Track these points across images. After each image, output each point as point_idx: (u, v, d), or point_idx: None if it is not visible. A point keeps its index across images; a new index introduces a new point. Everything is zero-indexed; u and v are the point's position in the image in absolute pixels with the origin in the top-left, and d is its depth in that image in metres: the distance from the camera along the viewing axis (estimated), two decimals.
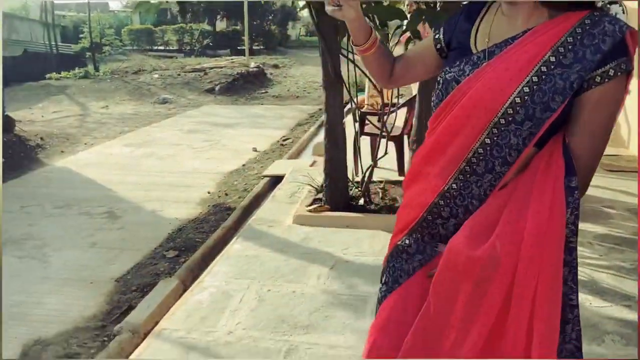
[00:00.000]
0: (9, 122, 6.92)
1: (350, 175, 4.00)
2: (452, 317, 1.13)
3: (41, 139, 7.14)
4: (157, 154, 6.43)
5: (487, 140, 1.10)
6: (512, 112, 1.06)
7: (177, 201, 4.61)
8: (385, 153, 3.97)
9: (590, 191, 4.08)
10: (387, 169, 4.62)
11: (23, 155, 6.26)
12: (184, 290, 2.92)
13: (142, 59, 18.01)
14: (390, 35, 3.57)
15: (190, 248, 3.63)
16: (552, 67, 1.04)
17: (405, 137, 4.61)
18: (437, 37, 1.28)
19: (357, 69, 3.80)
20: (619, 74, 1.02)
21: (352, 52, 3.71)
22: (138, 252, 3.56)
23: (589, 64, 1.02)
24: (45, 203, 4.54)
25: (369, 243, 3.34)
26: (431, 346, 1.16)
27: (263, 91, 12.55)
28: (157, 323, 2.56)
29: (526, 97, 1.05)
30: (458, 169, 1.15)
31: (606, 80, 1.03)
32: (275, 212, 3.95)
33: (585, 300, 2.58)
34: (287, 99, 11.43)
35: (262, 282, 2.84)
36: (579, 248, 3.48)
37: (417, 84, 4.03)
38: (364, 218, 3.63)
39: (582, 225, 3.50)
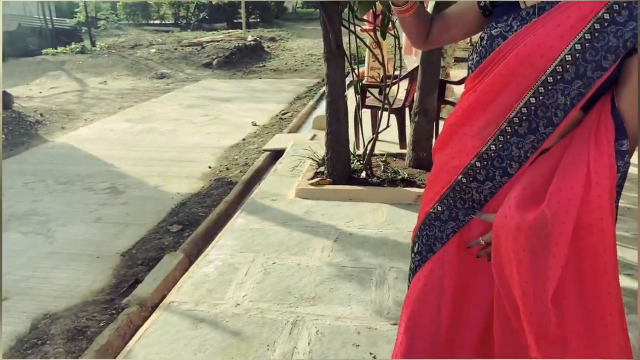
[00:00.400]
0: (7, 99, 6.87)
1: (351, 149, 3.99)
2: (517, 299, 1.11)
3: (40, 115, 7.10)
4: (157, 129, 6.40)
5: (533, 100, 1.07)
6: (561, 70, 1.03)
7: (178, 176, 4.61)
8: (387, 126, 3.96)
9: None
10: (388, 141, 4.61)
11: (23, 132, 6.24)
12: (190, 264, 2.95)
13: (139, 33, 17.77)
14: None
15: (193, 222, 3.65)
16: (606, 24, 1.00)
17: (407, 109, 4.59)
18: None
19: (357, 40, 3.76)
20: None
21: (353, 23, 3.66)
22: (142, 226, 3.58)
23: None
24: (48, 179, 4.55)
25: (372, 216, 3.35)
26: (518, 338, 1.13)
27: (261, 65, 12.42)
28: (164, 296, 2.59)
29: (578, 55, 1.02)
30: (498, 129, 1.12)
31: None
32: (277, 185, 3.96)
33: None
34: (285, 73, 11.33)
35: (267, 255, 2.87)
36: None
37: (420, 56, 3.98)
38: (366, 191, 3.64)
39: None
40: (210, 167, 4.91)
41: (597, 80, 1.02)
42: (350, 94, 4.08)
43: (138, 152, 5.39)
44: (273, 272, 2.68)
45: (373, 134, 3.90)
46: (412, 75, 4.51)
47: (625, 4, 1.00)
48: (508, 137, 1.11)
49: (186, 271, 2.82)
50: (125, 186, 4.36)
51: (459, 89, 5.44)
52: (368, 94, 4.58)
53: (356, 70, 3.96)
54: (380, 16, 3.65)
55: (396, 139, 4.64)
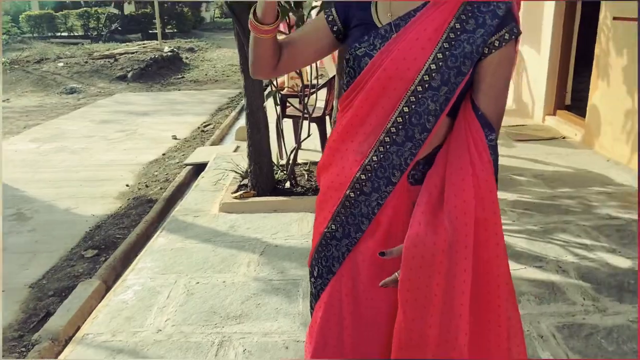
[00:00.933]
0: None
1: (274, 159, 3.96)
2: (430, 319, 1.12)
3: None
4: (68, 148, 6.04)
5: (406, 109, 1.12)
6: (428, 78, 1.10)
7: (93, 197, 4.36)
8: (308, 135, 3.97)
9: (501, 160, 4.28)
10: (311, 150, 4.63)
11: None
12: (107, 291, 2.78)
13: (45, 46, 16.72)
14: (305, 17, 3.53)
15: (110, 246, 3.46)
16: (459, 33, 1.09)
17: (327, 117, 4.63)
18: (330, 19, 1.24)
19: None
20: (512, 37, 1.11)
21: None
22: (53, 254, 3.34)
23: (489, 28, 1.09)
24: None
25: (297, 226, 3.34)
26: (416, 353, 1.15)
27: (179, 76, 12.11)
28: (79, 328, 2.42)
29: (440, 63, 1.09)
30: (378, 141, 1.16)
31: (503, 44, 1.11)
32: (200, 201, 3.84)
33: None
34: (206, 84, 11.11)
35: (190, 275, 2.76)
36: None
37: (336, 64, 4.03)
38: (291, 201, 3.62)
39: None
40: (127, 186, 4.69)
41: (459, 84, 1.11)
42: (271, 104, 4.05)
43: (46, 174, 5.04)
44: (197, 292, 2.59)
45: (295, 144, 3.90)
46: (329, 84, 4.56)
47: (470, 14, 1.09)
48: (387, 146, 1.16)
49: (103, 299, 2.66)
50: (33, 211, 4.06)
51: None
52: (288, 104, 4.58)
53: (275, 81, 3.94)
54: (295, 27, 3.66)
55: (319, 147, 4.67)
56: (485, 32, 1.09)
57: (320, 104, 4.55)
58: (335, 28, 1.24)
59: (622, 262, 2.71)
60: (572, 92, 5.61)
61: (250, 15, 1.18)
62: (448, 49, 1.09)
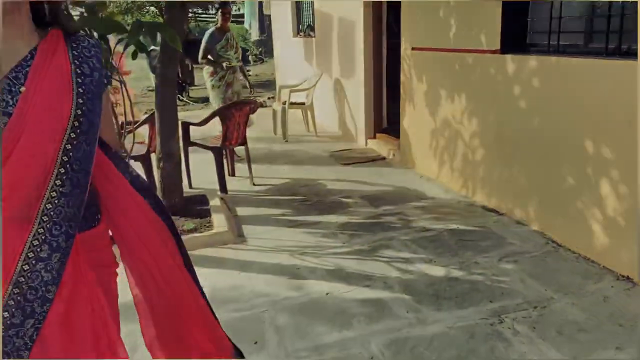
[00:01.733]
0: None
1: None
2: None
3: None
4: None
5: (65, 158, 1.09)
6: (78, 124, 1.10)
7: None
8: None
9: (330, 185, 4.38)
10: None
11: None
12: None
13: None
14: (112, 50, 3.30)
15: None
16: (83, 77, 1.13)
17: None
18: None
19: None
20: (109, 72, 1.32)
21: None
22: None
23: (100, 70, 1.19)
24: None
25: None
26: None
27: None
28: None
29: (84, 108, 1.11)
30: (44, 199, 1.07)
31: (109, 80, 1.30)
32: None
33: (335, 288, 2.80)
34: None
35: None
36: (325, 239, 3.73)
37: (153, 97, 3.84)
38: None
39: (327, 217, 3.82)
40: None
41: (99, 123, 1.18)
42: None
43: None
44: None
45: None
46: (151, 120, 4.33)
47: (81, 59, 1.14)
48: (56, 201, 1.09)
49: None
50: None
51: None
52: None
53: None
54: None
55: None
56: (99, 74, 1.18)
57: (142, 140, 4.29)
58: None
59: (438, 271, 2.95)
60: (389, 116, 6.10)
61: None
62: (83, 93, 1.12)
